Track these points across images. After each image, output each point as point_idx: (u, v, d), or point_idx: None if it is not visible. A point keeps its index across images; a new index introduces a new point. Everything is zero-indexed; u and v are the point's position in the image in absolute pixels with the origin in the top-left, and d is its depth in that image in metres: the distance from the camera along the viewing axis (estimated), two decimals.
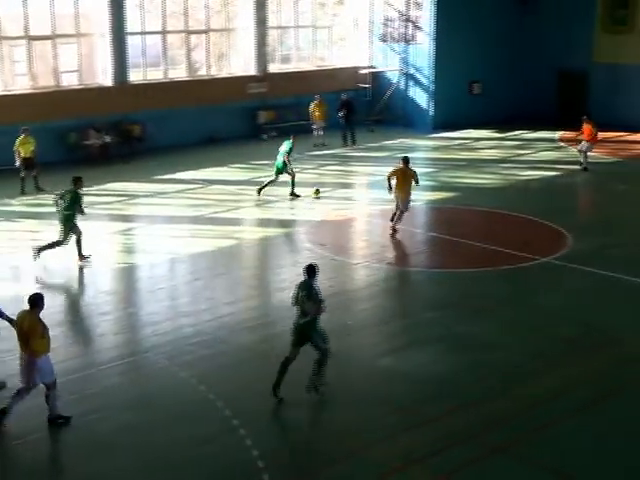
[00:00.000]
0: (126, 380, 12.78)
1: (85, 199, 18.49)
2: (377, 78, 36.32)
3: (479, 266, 17.98)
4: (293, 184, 23.70)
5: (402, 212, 20.19)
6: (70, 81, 29.37)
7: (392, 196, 20.27)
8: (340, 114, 31.61)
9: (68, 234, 17.91)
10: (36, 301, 11.24)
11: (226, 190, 24.87)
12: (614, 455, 10.79)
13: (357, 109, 32.78)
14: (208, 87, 31.76)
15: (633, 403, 12.18)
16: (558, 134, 34.17)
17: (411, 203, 20.53)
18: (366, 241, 20.50)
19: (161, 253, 18.93)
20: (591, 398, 12.22)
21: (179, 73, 31.97)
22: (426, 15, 34.75)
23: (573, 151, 30.91)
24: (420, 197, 24.12)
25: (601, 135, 32.61)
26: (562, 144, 32.45)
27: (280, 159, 23.66)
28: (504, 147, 32.09)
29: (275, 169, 23.85)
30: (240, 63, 33.25)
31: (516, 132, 34.81)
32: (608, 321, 15.03)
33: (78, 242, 18.04)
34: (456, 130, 34.72)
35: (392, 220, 20.26)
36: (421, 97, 35.64)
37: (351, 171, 28.54)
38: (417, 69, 35.55)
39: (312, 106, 31.49)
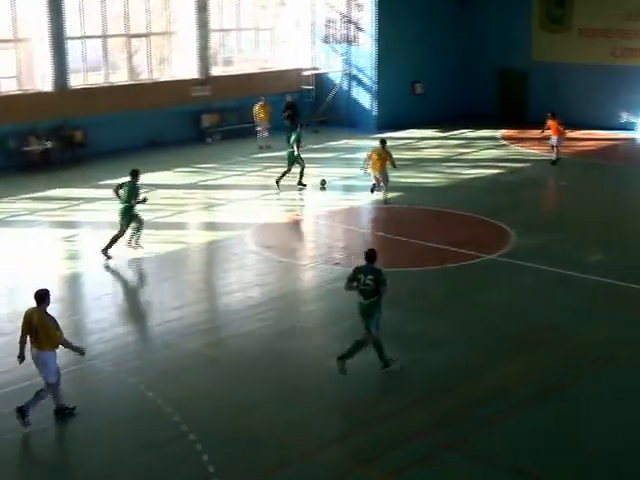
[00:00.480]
0: (72, 388, 12.61)
1: (27, 206, 18.26)
2: (320, 79, 36.40)
3: (425, 265, 18.13)
4: (302, 174, 25.01)
5: (383, 183, 23.09)
6: (9, 87, 28.91)
7: (369, 172, 23.36)
8: (284, 116, 31.61)
9: (127, 225, 18.58)
10: (42, 297, 11.49)
11: (171, 194, 24.70)
12: (561, 449, 10.94)
13: (301, 110, 32.83)
14: (150, 91, 31.51)
15: (577, 397, 12.37)
16: (500, 132, 34.58)
17: (390, 179, 23.22)
18: (313, 242, 20.55)
19: (105, 259, 18.71)
20: (537, 393, 12.39)
21: (120, 77, 31.68)
22: (367, 16, 34.93)
23: (515, 149, 31.39)
24: (365, 197, 24.26)
25: (542, 133, 33.19)
26: (504, 142, 32.84)
27: (291, 150, 24.95)
28: (447, 146, 32.37)
29: (288, 160, 25.00)
30: (182, 66, 33.06)
31: (459, 131, 35.15)
32: (551, 316, 15.25)
33: (137, 230, 18.77)
34: (399, 130, 34.90)
35: (372, 191, 23.44)
36: (364, 98, 35.81)
37: (296, 173, 28.48)
38: (360, 70, 35.71)
39: (256, 108, 31.44)
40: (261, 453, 10.82)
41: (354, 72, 35.88)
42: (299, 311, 15.97)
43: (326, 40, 36.19)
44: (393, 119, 35.63)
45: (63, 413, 11.69)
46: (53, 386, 11.56)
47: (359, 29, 35.33)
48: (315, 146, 31.94)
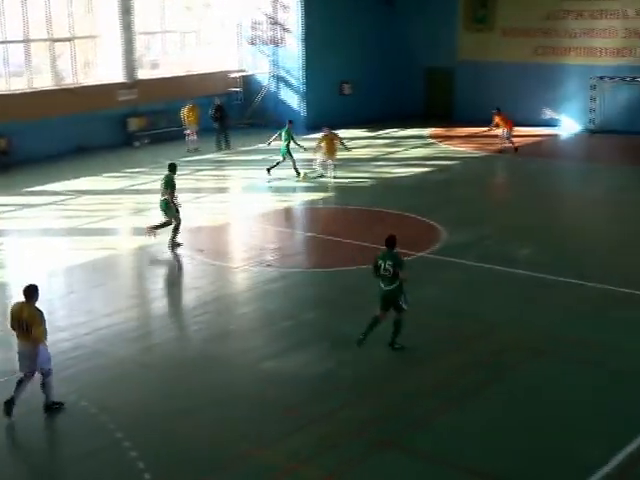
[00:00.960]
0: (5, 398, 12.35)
1: None
2: (248, 81, 36.34)
3: (356, 264, 18.20)
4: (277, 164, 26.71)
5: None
6: None
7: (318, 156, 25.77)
8: (213, 118, 31.48)
9: (174, 215, 19.23)
10: (32, 292, 11.85)
11: (99, 200, 24.39)
12: (497, 441, 11.10)
13: (229, 113, 32.74)
14: (75, 95, 31.04)
15: (511, 389, 12.56)
16: (427, 131, 34.95)
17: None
18: (244, 245, 20.47)
19: (34, 267, 18.39)
20: (471, 388, 12.54)
21: (44, 82, 31.14)
22: (294, 17, 34.99)
23: (443, 147, 31.76)
24: (296, 198, 24.31)
25: (468, 131, 33.68)
26: (432, 141, 33.20)
27: (283, 144, 26.57)
28: (376, 146, 32.59)
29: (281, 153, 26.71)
30: (108, 70, 32.64)
31: (387, 130, 35.43)
32: (483, 310, 15.46)
33: (163, 225, 19.42)
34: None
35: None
36: (293, 99, 35.87)
37: (227, 175, 28.46)
38: (287, 71, 35.75)
39: (184, 111, 31.23)
40: (197, 457, 10.75)
41: (282, 73, 35.91)
42: (232, 314, 15.91)
43: (252, 42, 36.13)
44: (322, 120, 35.53)
45: (52, 408, 11.88)
46: (50, 371, 11.89)
47: (285, 30, 35.37)
48: (244, 148, 31.89)
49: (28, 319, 11.64)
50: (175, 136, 32.30)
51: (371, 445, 10.96)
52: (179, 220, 19.36)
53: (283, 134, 26.78)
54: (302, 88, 35.51)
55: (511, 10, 35.62)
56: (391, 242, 13.58)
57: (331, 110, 36.04)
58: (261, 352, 14.02)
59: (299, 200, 24.29)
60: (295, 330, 14.86)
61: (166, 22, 34.78)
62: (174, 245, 19.30)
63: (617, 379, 12.78)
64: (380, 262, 13.48)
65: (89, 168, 28.19)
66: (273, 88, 36.11)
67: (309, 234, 21.09)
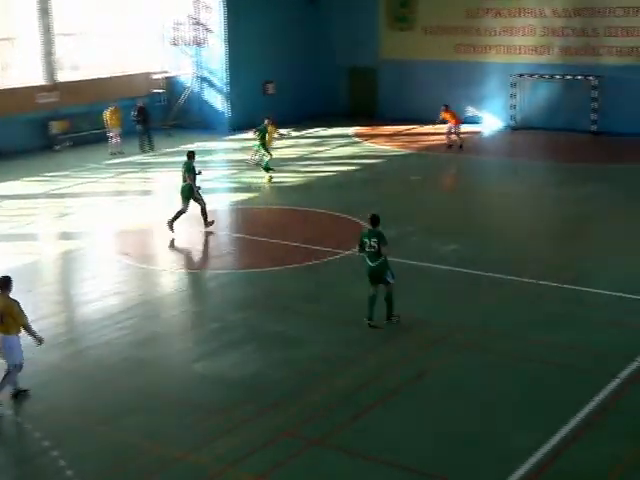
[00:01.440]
0: None
1: None
2: (171, 82, 36.05)
3: (284, 264, 18.24)
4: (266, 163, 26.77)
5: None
6: None
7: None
8: (136, 120, 31.16)
9: (196, 199, 20.39)
10: (6, 283, 12.09)
11: (21, 205, 23.95)
12: (425, 435, 11.26)
13: (152, 115, 32.47)
14: None
15: (437, 383, 12.74)
16: (352, 130, 35.15)
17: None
18: (171, 247, 20.31)
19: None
20: (401, 382, 12.68)
21: None
22: (216, 17, 34.84)
23: (368, 145, 31.98)
24: (222, 199, 24.23)
25: (392, 129, 33.99)
26: (357, 139, 33.40)
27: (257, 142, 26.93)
28: (301, 145, 32.65)
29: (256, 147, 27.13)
30: (27, 72, 32.03)
31: (312, 130, 35.52)
32: (412, 305, 15.58)
33: (203, 212, 20.51)
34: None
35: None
36: (217, 99, 35.71)
37: (151, 178, 28.21)
38: (211, 72, 35.59)
39: (107, 114, 30.84)
40: (127, 463, 10.66)
41: (205, 74, 35.72)
42: (160, 317, 15.79)
43: (175, 42, 35.85)
44: (246, 120, 35.54)
45: (20, 394, 12.26)
46: (19, 367, 12.07)
47: (208, 30, 35.20)
48: (168, 150, 31.65)
49: (4, 310, 11.85)
50: (98, 139, 31.88)
51: (301, 445, 11.00)
52: (204, 203, 20.58)
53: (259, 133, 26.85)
54: (226, 88, 35.38)
55: (432, 9, 36.05)
56: (375, 220, 14.44)
57: (255, 110, 35.79)
58: (189, 355, 13.96)
59: (226, 201, 24.20)
60: (223, 332, 14.82)
61: (87, 23, 34.26)
62: (170, 227, 20.23)
63: (540, 372, 13.06)
64: (365, 240, 14.34)
65: (9, 172, 27.64)
66: (197, 89, 35.88)
67: (236, 235, 21.04)
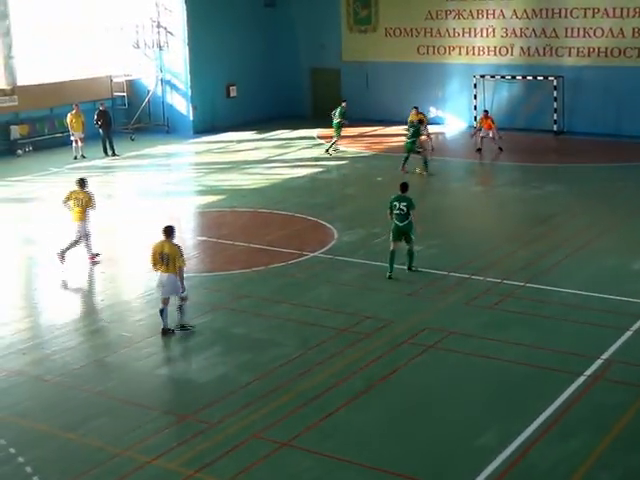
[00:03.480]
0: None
1: None
2: (133, 85, 35.87)
3: (249, 266, 18.21)
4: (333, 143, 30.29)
5: None
6: None
7: None
8: (97, 124, 30.94)
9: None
10: (171, 231, 14.62)
11: None
12: (400, 435, 11.29)
13: (115, 118, 32.27)
14: None
15: (409, 382, 12.81)
16: (316, 132, 35.18)
17: None
18: (136, 250, 20.19)
19: None
20: (368, 384, 12.71)
21: None
22: (178, 20, 34.73)
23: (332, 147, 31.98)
24: (186, 202, 24.15)
25: (356, 131, 34.12)
26: (321, 141, 33.41)
27: (335, 121, 30.09)
28: (265, 147, 32.63)
29: (335, 130, 30.15)
30: None
31: (276, 132, 35.50)
32: (377, 307, 15.67)
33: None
34: (217, 133, 34.99)
35: None
36: (179, 102, 35.60)
37: (115, 181, 28.03)
38: (174, 75, 35.47)
39: (69, 117, 30.58)
40: (94, 469, 10.57)
41: (168, 77, 35.59)
42: (126, 321, 15.68)
43: (137, 45, 35.66)
44: (209, 123, 35.67)
45: (186, 329, 14.59)
46: (185, 297, 14.59)
47: (169, 33, 35.06)
48: (131, 153, 31.49)
49: (169, 252, 14.21)
50: (61, 143, 31.67)
51: (269, 448, 10.97)
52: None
53: (337, 112, 30.02)
54: (188, 91, 35.28)
55: (393, 11, 36.22)
56: (405, 187, 17.17)
57: (218, 113, 36.02)
58: (155, 359, 13.89)
59: (190, 204, 24.12)
60: (189, 335, 14.75)
61: (47, 26, 33.92)
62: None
63: (505, 371, 13.16)
64: (395, 203, 16.90)
65: None
66: (159, 92, 35.72)
67: (200, 238, 20.96)
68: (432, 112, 35.38)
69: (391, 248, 17.08)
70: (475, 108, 34.38)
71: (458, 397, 12.35)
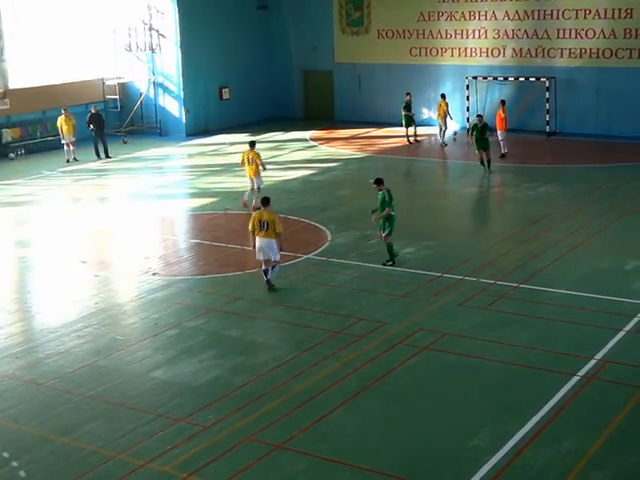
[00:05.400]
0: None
1: None
2: (126, 88, 35.82)
3: (243, 269, 18.20)
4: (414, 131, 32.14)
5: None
6: None
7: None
8: (90, 127, 30.89)
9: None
10: (268, 201, 16.67)
11: None
12: (394, 437, 11.29)
13: (107, 121, 32.23)
14: None
15: (403, 383, 12.81)
16: (309, 134, 35.18)
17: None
18: (129, 254, 20.17)
19: None
20: (365, 383, 12.71)
21: None
22: (170, 23, 34.70)
23: (325, 149, 32.04)
24: (179, 205, 24.13)
25: (349, 133, 34.13)
26: (313, 143, 33.43)
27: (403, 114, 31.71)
28: (258, 150, 32.48)
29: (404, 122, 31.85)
30: None
31: (268, 134, 35.45)
32: (371, 308, 15.69)
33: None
34: (209, 136, 34.97)
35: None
36: (172, 105, 35.57)
37: (107, 184, 27.97)
38: (166, 77, 35.43)
39: (60, 121, 30.51)
40: (89, 472, 10.55)
41: (160, 80, 35.55)
42: (119, 324, 15.65)
43: (129, 48, 35.63)
44: (202, 125, 35.65)
45: (272, 286, 16.65)
46: (279, 261, 16.64)
47: (161, 36, 35.03)
48: (124, 156, 31.45)
49: (268, 219, 16.17)
50: (53, 146, 31.64)
51: (263, 450, 10.96)
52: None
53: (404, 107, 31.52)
54: (181, 94, 35.25)
55: (385, 12, 36.24)
56: (379, 181, 18.08)
57: (211, 115, 36.01)
58: (149, 362, 13.86)
59: (183, 206, 24.10)
60: (182, 338, 14.74)
61: (40, 29, 33.87)
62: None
63: (500, 371, 13.18)
64: (390, 195, 17.83)
65: None
66: (152, 95, 35.69)
67: (194, 241, 20.94)
68: (424, 113, 35.41)
69: (388, 241, 18.09)
70: (468, 109, 34.42)
71: (452, 398, 12.36)
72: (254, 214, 16.69)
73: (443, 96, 31.94)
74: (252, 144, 23.44)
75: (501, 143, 28.93)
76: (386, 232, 17.81)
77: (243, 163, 23.01)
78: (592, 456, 10.64)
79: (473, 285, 16.75)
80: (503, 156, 28.72)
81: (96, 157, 30.93)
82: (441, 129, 31.76)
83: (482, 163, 26.62)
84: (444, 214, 23.23)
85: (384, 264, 17.98)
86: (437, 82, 35.52)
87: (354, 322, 15.08)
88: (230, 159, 30.50)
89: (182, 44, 34.69)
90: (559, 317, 15.10)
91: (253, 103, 37.62)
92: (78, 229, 21.86)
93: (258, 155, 23.07)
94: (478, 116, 27.71)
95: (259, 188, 22.75)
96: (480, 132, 26.36)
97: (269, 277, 16.69)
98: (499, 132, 28.82)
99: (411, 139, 32.26)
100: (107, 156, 31.04)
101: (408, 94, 31.95)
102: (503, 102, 29.47)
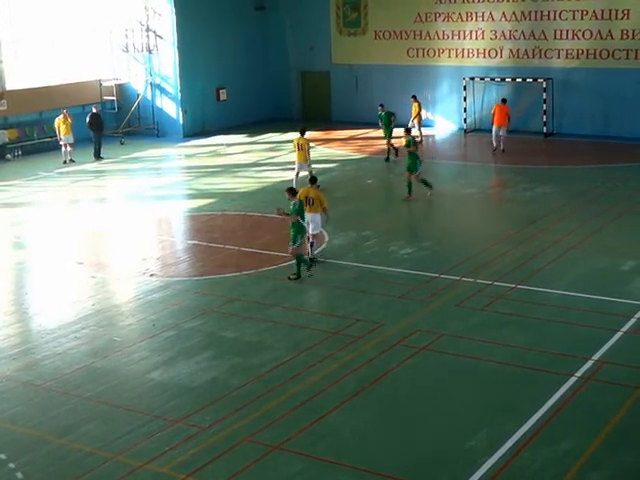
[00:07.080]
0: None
1: None
2: (123, 89, 35.80)
3: (240, 270, 18.20)
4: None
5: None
6: None
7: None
8: (89, 128, 30.87)
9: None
10: (314, 180, 18.51)
11: None
12: (392, 437, 11.30)
13: (105, 122, 32.21)
14: None
15: (401, 384, 12.82)
16: (306, 135, 34.99)
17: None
18: (126, 255, 20.17)
19: None
20: (362, 384, 12.71)
21: None
22: (167, 24, 34.69)
23: (322, 150, 32.02)
24: (176, 206, 24.11)
25: (346, 134, 34.12)
26: (311, 144, 33.31)
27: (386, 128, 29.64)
28: (256, 151, 32.60)
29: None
30: None
31: (266, 135, 35.46)
32: (368, 309, 15.68)
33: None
34: (207, 137, 34.95)
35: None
36: (169, 106, 35.55)
37: (105, 185, 27.96)
38: (163, 78, 35.42)
39: (57, 122, 30.50)
40: (87, 474, 10.54)
41: (157, 81, 35.55)
42: (117, 326, 15.64)
43: (126, 49, 35.62)
44: (199, 126, 35.65)
45: (315, 262, 17.73)
46: (319, 235, 18.37)
47: (159, 37, 35.03)
48: (122, 157, 31.43)
49: (314, 196, 17.61)
50: (51, 147, 31.62)
51: (261, 451, 10.96)
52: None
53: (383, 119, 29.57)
54: (178, 95, 35.24)
55: (382, 13, 36.23)
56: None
57: (208, 116, 36.00)
58: (146, 363, 13.85)
59: (180, 207, 24.09)
60: (179, 340, 14.73)
61: (37, 30, 33.86)
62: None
63: (497, 372, 13.18)
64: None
65: None
66: (149, 96, 35.68)
67: (191, 242, 20.94)
68: (422, 114, 35.35)
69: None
70: (465, 110, 34.43)
71: (449, 399, 12.36)
72: (301, 191, 17.69)
73: (414, 97, 31.76)
74: (302, 131, 24.86)
75: (501, 139, 29.12)
76: (296, 245, 17.12)
77: (296, 148, 24.61)
78: (589, 456, 10.65)
79: (470, 286, 16.76)
80: (502, 151, 29.20)
81: (95, 158, 30.90)
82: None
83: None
84: (440, 215, 23.23)
85: (289, 278, 17.29)
86: (434, 83, 35.53)
87: (351, 323, 15.09)
88: (227, 160, 30.54)
89: (179, 45, 34.68)
90: (556, 318, 15.11)
91: (250, 104, 37.61)
92: (74, 230, 21.84)
93: (307, 142, 24.56)
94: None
95: (310, 171, 23.72)
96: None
97: (312, 253, 17.82)
98: (502, 128, 29.16)
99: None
100: (99, 157, 30.91)
101: (381, 105, 30.55)
102: (504, 100, 29.68)
